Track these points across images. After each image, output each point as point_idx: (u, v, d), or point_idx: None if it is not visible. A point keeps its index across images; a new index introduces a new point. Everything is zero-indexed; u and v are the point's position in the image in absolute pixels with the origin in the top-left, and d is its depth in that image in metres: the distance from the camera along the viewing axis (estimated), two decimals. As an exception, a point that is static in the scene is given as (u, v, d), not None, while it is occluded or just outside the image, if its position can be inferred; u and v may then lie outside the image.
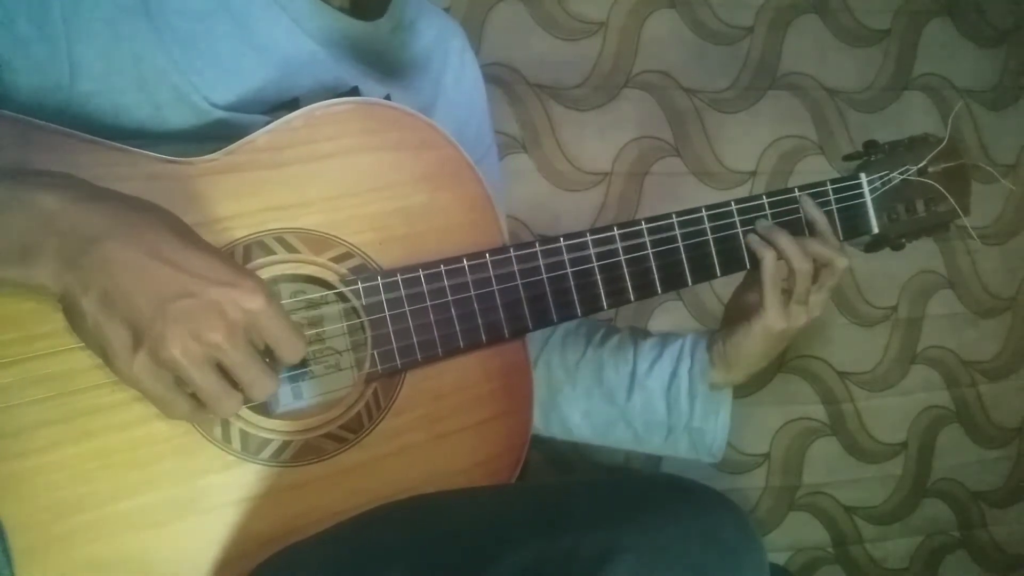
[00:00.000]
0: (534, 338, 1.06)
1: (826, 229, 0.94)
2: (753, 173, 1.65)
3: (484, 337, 0.84)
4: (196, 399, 0.68)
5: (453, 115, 1.01)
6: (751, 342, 0.95)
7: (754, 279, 0.94)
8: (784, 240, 0.91)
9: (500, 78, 1.52)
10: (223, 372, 0.67)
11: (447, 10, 1.49)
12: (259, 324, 0.67)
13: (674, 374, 1.01)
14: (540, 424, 1.08)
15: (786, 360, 1.67)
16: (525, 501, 0.76)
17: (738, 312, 0.97)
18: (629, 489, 0.72)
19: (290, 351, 0.70)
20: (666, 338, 1.05)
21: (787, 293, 0.93)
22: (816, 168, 1.66)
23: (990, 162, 1.75)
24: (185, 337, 0.64)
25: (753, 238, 0.92)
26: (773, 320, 0.92)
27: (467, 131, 1.04)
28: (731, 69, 1.64)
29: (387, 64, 0.95)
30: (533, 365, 1.04)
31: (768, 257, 0.91)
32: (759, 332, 0.94)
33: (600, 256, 0.87)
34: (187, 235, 0.67)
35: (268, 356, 0.70)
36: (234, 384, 0.68)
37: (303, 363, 0.79)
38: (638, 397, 1.02)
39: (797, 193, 0.95)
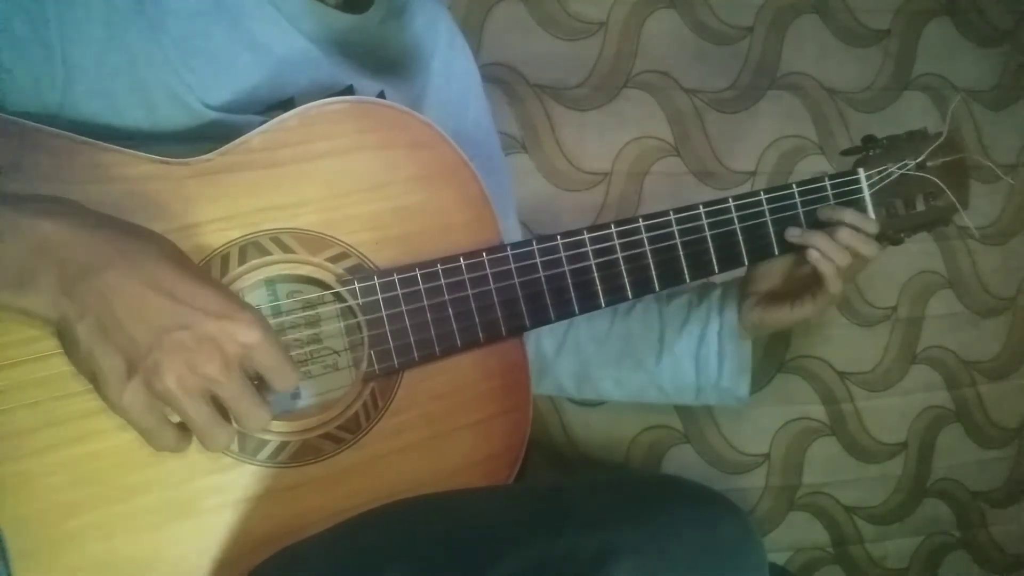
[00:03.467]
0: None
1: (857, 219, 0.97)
2: (753, 173, 1.64)
3: (482, 336, 0.84)
4: (182, 431, 0.68)
5: (443, 99, 1.02)
6: (788, 319, 0.99)
7: (798, 264, 0.98)
8: (824, 244, 0.94)
9: (500, 78, 1.52)
10: (216, 404, 0.67)
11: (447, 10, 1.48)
12: (254, 357, 0.67)
13: (702, 337, 1.05)
14: (573, 391, 1.14)
15: (786, 360, 1.67)
16: (524, 501, 0.76)
17: (772, 283, 1.01)
18: (628, 489, 0.73)
19: (282, 382, 0.70)
20: (691, 300, 1.08)
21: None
22: (816, 168, 1.65)
23: (990, 162, 1.74)
24: (181, 368, 0.64)
25: (813, 253, 0.94)
26: (818, 307, 0.97)
27: (465, 114, 1.05)
28: (731, 69, 1.64)
29: (379, 58, 0.95)
30: (561, 345, 1.09)
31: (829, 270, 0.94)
32: (799, 314, 0.97)
33: (597, 254, 0.87)
34: (185, 265, 0.68)
35: (258, 381, 0.70)
36: (226, 416, 0.68)
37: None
38: (667, 361, 1.06)
39: (793, 189, 0.96)
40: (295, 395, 0.81)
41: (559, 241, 0.86)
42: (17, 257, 0.61)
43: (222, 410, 0.68)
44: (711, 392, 1.07)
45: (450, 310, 0.82)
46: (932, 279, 1.73)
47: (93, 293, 0.62)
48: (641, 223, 0.89)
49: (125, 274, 0.63)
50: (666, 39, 1.61)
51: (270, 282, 0.79)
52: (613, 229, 0.88)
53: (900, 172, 0.99)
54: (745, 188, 1.64)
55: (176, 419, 0.67)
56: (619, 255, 0.88)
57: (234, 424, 0.69)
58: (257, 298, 0.80)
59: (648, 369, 1.07)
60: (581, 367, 1.10)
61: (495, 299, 0.84)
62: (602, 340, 1.09)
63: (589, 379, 1.11)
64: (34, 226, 0.62)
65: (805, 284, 0.98)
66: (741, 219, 0.93)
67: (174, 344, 0.64)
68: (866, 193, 0.98)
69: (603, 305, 0.89)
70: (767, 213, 0.94)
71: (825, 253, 0.93)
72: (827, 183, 0.97)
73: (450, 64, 1.06)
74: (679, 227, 0.90)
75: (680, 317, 1.06)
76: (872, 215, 0.99)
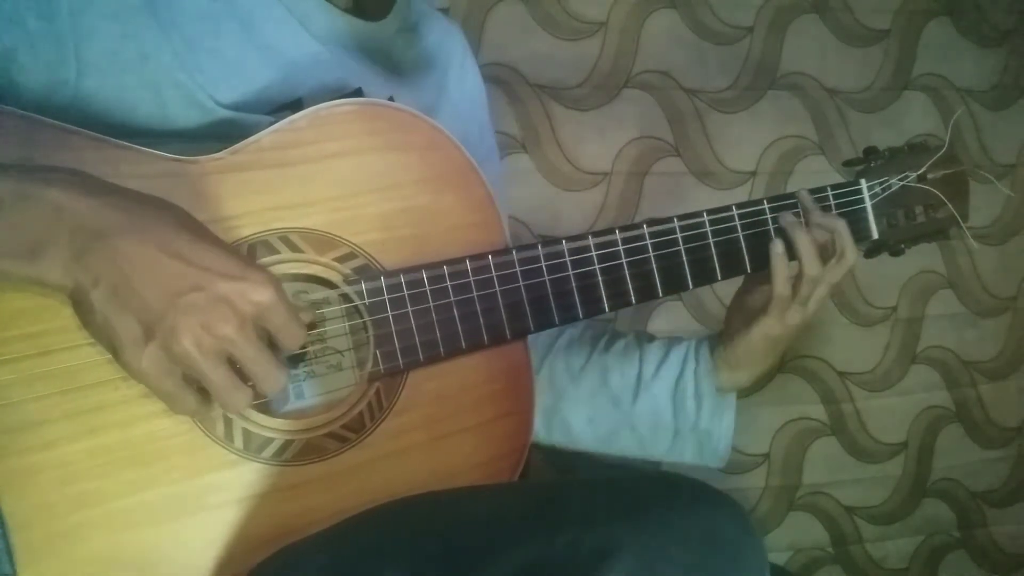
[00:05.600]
0: (537, 344, 1.06)
1: (844, 230, 0.94)
2: (753, 173, 1.65)
3: (486, 338, 0.84)
4: (202, 395, 0.68)
5: (455, 116, 1.01)
6: (753, 344, 0.95)
7: (754, 281, 0.94)
8: (804, 242, 0.91)
9: (500, 78, 1.52)
10: (233, 366, 0.67)
11: (447, 10, 1.49)
12: (267, 316, 0.67)
13: (680, 376, 1.01)
14: (542, 431, 1.08)
15: (786, 360, 1.67)
16: (524, 499, 0.76)
17: (740, 314, 0.97)
18: (628, 487, 0.72)
19: (292, 340, 0.70)
20: (671, 341, 1.05)
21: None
22: (816, 168, 1.66)
23: (990, 162, 1.75)
24: (196, 330, 0.64)
25: (776, 245, 0.92)
26: (774, 322, 0.93)
27: (469, 133, 1.04)
28: (731, 69, 1.65)
29: (391, 65, 0.95)
30: (537, 371, 1.04)
31: (782, 267, 0.91)
32: (759, 334, 0.94)
33: (602, 258, 0.87)
34: (196, 229, 0.67)
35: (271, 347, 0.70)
36: (243, 378, 0.68)
37: (302, 355, 0.80)
38: (644, 400, 1.02)
39: (794, 193, 0.95)
40: (299, 394, 0.81)
41: (564, 245, 0.86)
42: (28, 226, 0.61)
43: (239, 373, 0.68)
44: (689, 438, 1.02)
45: (455, 312, 0.82)
46: (932, 279, 1.74)
47: (105, 259, 0.62)
48: (645, 229, 0.89)
49: (136, 239, 0.63)
50: (666, 39, 1.62)
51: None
52: (618, 234, 0.88)
53: (901, 184, 0.99)
54: (745, 188, 1.64)
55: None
56: (623, 260, 0.88)
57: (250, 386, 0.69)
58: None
59: (624, 408, 1.03)
60: (554, 400, 1.06)
61: (500, 302, 0.84)
62: (577, 374, 1.05)
63: (559, 413, 1.06)
64: (44, 194, 0.62)
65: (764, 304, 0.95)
66: (744, 227, 0.93)
67: (189, 306, 0.64)
68: (867, 203, 0.99)
69: (607, 310, 0.88)
70: (770, 222, 0.94)
71: (798, 247, 0.91)
72: (829, 192, 0.97)
73: (463, 83, 1.06)
74: (683, 234, 0.90)
75: (658, 356, 1.03)
76: (873, 225, 0.99)
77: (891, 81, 1.71)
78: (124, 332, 0.63)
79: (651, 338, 1.07)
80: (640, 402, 1.02)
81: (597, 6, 1.58)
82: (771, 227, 0.94)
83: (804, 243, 0.91)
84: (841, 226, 0.93)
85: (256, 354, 0.67)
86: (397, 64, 0.96)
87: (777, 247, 0.92)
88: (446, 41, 1.05)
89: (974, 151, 1.74)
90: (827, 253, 0.93)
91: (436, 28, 1.03)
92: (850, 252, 0.93)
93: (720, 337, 1.00)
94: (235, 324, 0.65)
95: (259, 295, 0.66)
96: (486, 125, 1.11)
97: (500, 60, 1.53)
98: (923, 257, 1.72)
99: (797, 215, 0.94)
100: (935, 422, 1.75)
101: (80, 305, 0.64)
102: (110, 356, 0.66)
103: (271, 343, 0.70)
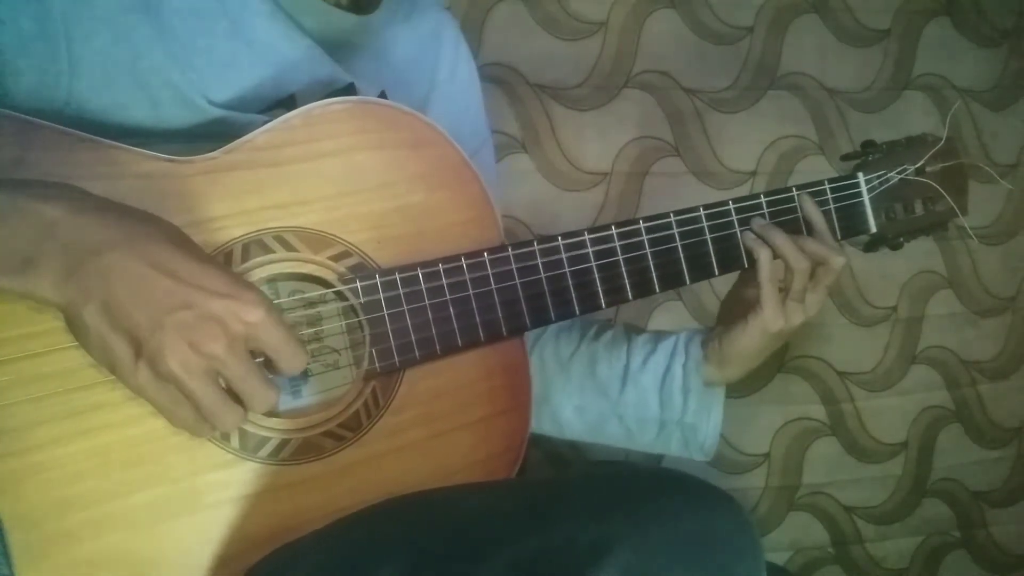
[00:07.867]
0: (528, 333, 1.06)
1: (824, 228, 0.94)
2: (753, 173, 1.65)
3: (482, 335, 0.84)
4: (200, 411, 0.68)
5: (447, 109, 1.01)
6: (747, 340, 0.95)
7: (750, 277, 0.94)
8: (780, 239, 0.91)
9: (500, 78, 1.52)
10: (224, 385, 0.67)
11: (447, 10, 1.49)
12: (259, 336, 0.67)
13: (668, 369, 1.01)
14: (532, 420, 1.07)
15: (786, 360, 1.67)
16: (521, 495, 0.76)
17: (734, 309, 0.97)
18: (626, 482, 0.72)
19: (291, 363, 0.69)
20: (660, 334, 1.05)
21: (783, 291, 0.93)
22: (816, 168, 1.66)
23: (990, 162, 1.75)
24: (184, 349, 0.63)
25: (749, 236, 0.92)
26: (770, 319, 0.92)
27: (463, 125, 1.04)
28: (731, 69, 1.65)
29: (383, 59, 0.95)
30: None
31: (764, 255, 0.90)
32: (756, 330, 0.94)
33: (598, 255, 0.87)
34: (187, 246, 0.67)
35: (268, 366, 0.70)
36: (235, 397, 0.68)
37: (303, 373, 0.79)
38: (631, 391, 1.02)
39: (795, 192, 0.95)
40: (296, 393, 0.81)
41: (560, 242, 0.86)
42: (21, 240, 0.61)
43: (231, 391, 0.68)
44: (674, 431, 1.02)
45: (451, 309, 0.82)
46: (932, 279, 1.74)
47: (96, 275, 0.62)
48: (642, 224, 0.89)
49: (127, 255, 0.63)
50: (666, 39, 1.62)
51: (272, 281, 0.79)
52: (614, 230, 0.88)
53: (899, 177, 0.99)
54: (745, 188, 1.64)
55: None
56: (620, 257, 0.88)
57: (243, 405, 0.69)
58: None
59: (611, 398, 1.03)
60: (543, 389, 1.06)
61: (496, 299, 0.84)
62: (566, 362, 1.06)
63: (549, 403, 1.06)
64: (37, 209, 0.62)
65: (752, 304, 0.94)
66: (741, 222, 0.93)
67: (177, 324, 0.63)
68: (865, 197, 0.98)
69: (603, 306, 0.88)
70: (768, 216, 0.94)
71: (781, 251, 0.91)
72: (827, 187, 0.97)
73: (455, 74, 1.05)
74: (679, 229, 0.90)
75: (648, 348, 1.03)
76: (871, 219, 0.99)
77: (891, 81, 1.71)
78: (117, 350, 0.63)
79: (641, 330, 1.07)
80: (627, 393, 1.02)
81: (597, 6, 1.59)
82: (766, 221, 0.93)
83: (780, 240, 0.91)
84: (814, 241, 0.93)
85: (245, 373, 0.66)
86: (389, 57, 0.96)
87: (758, 252, 0.91)
88: (438, 32, 1.04)
89: (974, 151, 1.74)
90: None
91: (428, 18, 1.03)
92: (834, 259, 0.92)
93: (713, 331, 1.00)
94: (224, 343, 0.65)
95: (250, 314, 0.66)
96: (480, 118, 1.10)
97: (500, 60, 1.53)
98: (923, 257, 1.72)
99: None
100: (935, 422, 1.75)
101: (73, 321, 0.64)
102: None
103: (267, 362, 0.70)
